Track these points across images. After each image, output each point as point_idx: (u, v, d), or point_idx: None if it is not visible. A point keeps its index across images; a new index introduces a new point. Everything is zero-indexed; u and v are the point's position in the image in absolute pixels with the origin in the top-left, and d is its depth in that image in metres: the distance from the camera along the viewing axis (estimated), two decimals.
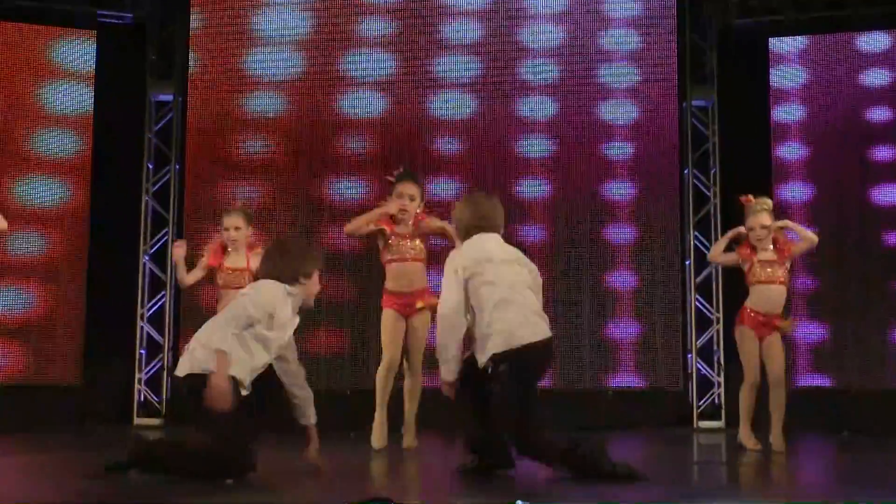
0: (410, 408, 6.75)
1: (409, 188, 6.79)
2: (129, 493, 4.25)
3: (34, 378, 9.51)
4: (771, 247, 7.08)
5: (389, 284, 6.79)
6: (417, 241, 6.76)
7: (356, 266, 9.61)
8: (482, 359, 4.96)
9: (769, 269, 7.02)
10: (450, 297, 5.06)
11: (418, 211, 6.83)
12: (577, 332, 9.83)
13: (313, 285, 4.80)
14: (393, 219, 6.76)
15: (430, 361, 9.68)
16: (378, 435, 6.61)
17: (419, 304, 6.72)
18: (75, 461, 5.11)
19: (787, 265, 7.09)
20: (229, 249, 7.18)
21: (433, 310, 6.63)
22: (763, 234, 7.02)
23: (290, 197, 9.90)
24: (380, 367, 6.71)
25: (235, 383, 4.50)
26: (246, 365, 4.56)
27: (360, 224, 6.81)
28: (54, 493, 4.27)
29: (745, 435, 6.98)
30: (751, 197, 7.14)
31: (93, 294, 9.68)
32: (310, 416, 4.95)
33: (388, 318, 6.73)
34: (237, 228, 7.09)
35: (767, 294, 7.03)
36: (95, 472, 4.59)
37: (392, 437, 6.70)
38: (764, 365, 7.03)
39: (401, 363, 6.76)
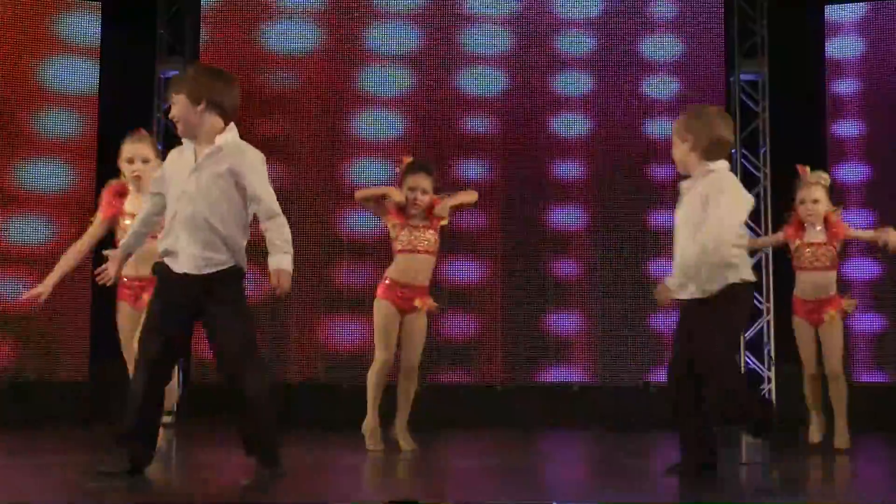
0: (404, 411, 6.60)
1: (421, 181, 6.63)
2: (136, 492, 4.24)
3: (38, 374, 9.52)
4: (820, 227, 6.96)
5: (393, 273, 6.62)
6: (431, 233, 6.64)
7: (378, 255, 9.55)
8: (715, 286, 4.99)
9: (815, 253, 6.90)
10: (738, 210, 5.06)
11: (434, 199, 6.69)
12: (617, 324, 9.75)
13: None
14: (404, 211, 6.65)
15: (454, 359, 9.70)
16: (373, 439, 6.50)
17: (417, 303, 6.57)
18: (80, 461, 5.12)
19: (837, 247, 6.97)
20: (131, 189, 6.37)
21: (430, 312, 6.68)
22: (813, 209, 6.88)
23: (307, 178, 9.84)
24: (372, 368, 6.53)
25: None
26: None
27: (368, 194, 6.80)
28: (59, 494, 4.25)
29: (811, 429, 7.00)
30: (807, 168, 7.04)
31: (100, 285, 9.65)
32: (276, 261, 4.69)
33: (383, 312, 6.53)
34: (146, 161, 6.29)
35: (813, 280, 6.93)
36: (99, 472, 4.60)
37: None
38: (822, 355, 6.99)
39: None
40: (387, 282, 6.62)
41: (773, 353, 9.70)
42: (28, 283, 9.49)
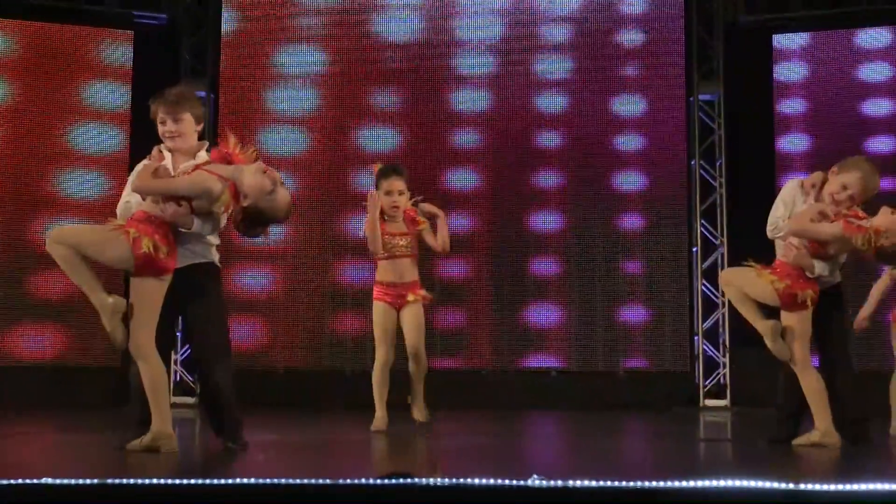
0: (418, 386, 6.41)
1: (396, 184, 6.38)
2: (161, 467, 4.26)
3: (74, 359, 9.54)
4: None
5: (380, 275, 6.44)
6: (408, 238, 6.43)
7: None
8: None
9: None
10: None
11: (409, 206, 6.48)
12: (590, 316, 9.80)
13: None
14: (383, 216, 6.39)
15: (445, 347, 9.72)
16: (379, 425, 6.23)
17: (410, 297, 6.38)
18: (113, 440, 5.14)
19: None
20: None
21: (425, 302, 6.48)
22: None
23: (322, 193, 9.86)
24: (375, 366, 6.33)
25: None
26: None
27: (370, 233, 6.32)
28: (95, 469, 4.28)
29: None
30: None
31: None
32: None
33: (379, 312, 6.38)
34: None
35: None
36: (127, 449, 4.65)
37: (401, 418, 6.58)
38: None
39: (395, 358, 6.42)
40: (377, 286, 6.46)
41: (727, 342, 9.74)
42: (64, 280, 9.52)
